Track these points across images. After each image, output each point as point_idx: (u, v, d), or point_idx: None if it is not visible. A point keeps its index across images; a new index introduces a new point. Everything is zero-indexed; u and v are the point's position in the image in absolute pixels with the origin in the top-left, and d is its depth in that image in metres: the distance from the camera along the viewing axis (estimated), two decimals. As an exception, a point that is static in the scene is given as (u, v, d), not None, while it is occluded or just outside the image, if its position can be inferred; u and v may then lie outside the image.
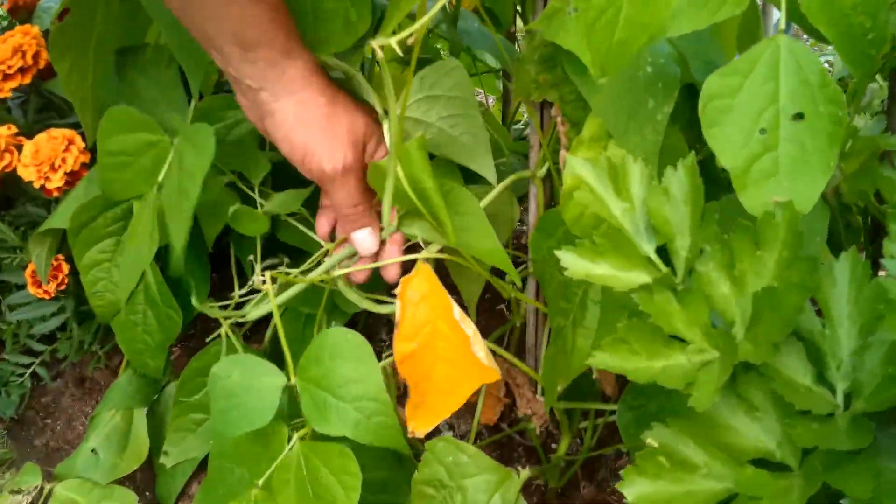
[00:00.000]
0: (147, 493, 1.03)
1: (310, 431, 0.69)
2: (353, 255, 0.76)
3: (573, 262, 0.53)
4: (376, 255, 0.76)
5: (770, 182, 0.52)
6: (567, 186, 0.62)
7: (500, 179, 0.93)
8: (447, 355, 0.69)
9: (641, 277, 0.53)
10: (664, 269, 0.53)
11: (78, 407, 1.15)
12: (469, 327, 0.66)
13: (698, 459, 0.52)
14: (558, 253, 0.53)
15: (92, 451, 0.97)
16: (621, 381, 0.87)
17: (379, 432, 0.65)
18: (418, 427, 0.67)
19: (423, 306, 0.71)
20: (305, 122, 0.68)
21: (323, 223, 0.79)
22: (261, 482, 0.67)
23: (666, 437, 0.52)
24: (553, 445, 1.00)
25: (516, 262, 1.26)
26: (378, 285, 0.78)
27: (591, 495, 0.94)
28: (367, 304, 0.76)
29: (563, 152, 0.71)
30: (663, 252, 0.54)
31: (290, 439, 0.68)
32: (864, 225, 0.79)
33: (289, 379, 0.68)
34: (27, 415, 1.15)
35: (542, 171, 0.75)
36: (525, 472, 0.70)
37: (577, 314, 0.67)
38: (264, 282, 0.72)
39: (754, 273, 0.51)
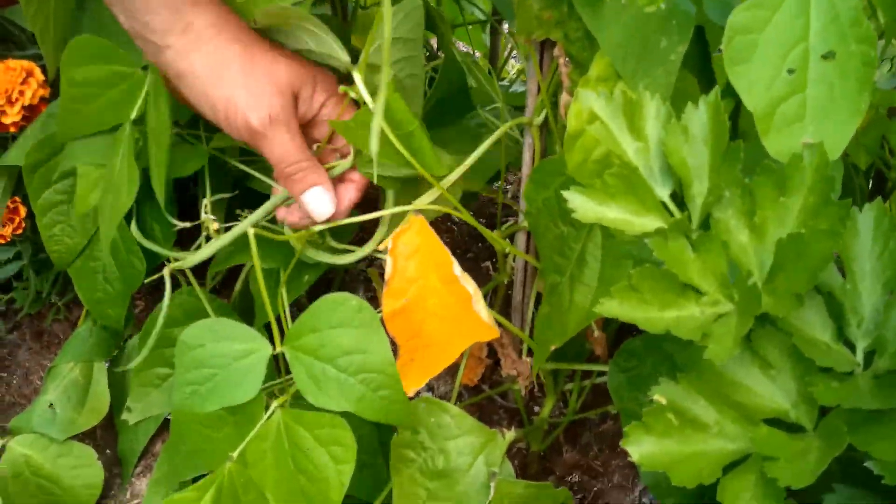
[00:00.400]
0: (108, 452, 0.98)
1: (289, 399, 0.63)
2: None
3: (582, 204, 0.49)
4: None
5: (796, 126, 0.49)
6: (572, 128, 0.57)
7: (492, 129, 0.89)
8: (438, 311, 0.64)
9: (655, 223, 0.49)
10: (679, 214, 0.49)
11: (35, 360, 1.09)
12: (470, 284, 0.62)
13: (709, 418, 0.49)
14: (566, 194, 0.49)
15: (49, 405, 0.92)
16: (612, 342, 0.84)
17: (386, 407, 0.59)
18: (409, 385, 0.62)
19: (413, 261, 0.67)
20: (220, 74, 0.60)
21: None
22: (235, 454, 0.61)
23: (675, 394, 0.49)
24: (535, 408, 0.97)
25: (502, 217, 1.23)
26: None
27: (573, 459, 0.91)
28: (324, 258, 0.71)
29: (564, 96, 0.67)
30: (677, 199, 0.51)
31: (267, 407, 0.62)
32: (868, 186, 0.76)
33: (274, 347, 0.60)
34: (-20, 368, 1.09)
35: (540, 119, 0.71)
36: (510, 434, 0.67)
37: (575, 270, 0.64)
38: (214, 220, 0.67)
39: (776, 221, 0.47)
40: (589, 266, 0.62)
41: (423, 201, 0.68)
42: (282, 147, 0.62)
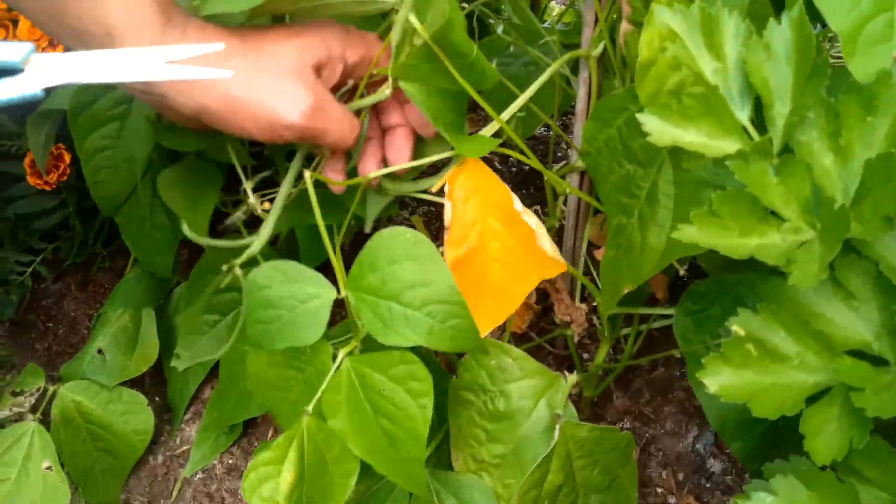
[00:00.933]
0: (157, 399, 0.99)
1: (357, 346, 0.61)
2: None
3: (658, 128, 0.47)
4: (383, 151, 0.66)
5: (882, 47, 0.46)
6: (644, 58, 0.54)
7: (543, 67, 0.86)
8: (500, 256, 0.63)
9: (734, 146, 0.47)
10: (759, 137, 0.47)
11: (81, 310, 1.09)
12: (532, 218, 0.60)
13: (789, 349, 0.47)
14: (640, 117, 0.47)
15: (98, 351, 0.92)
16: (671, 284, 0.82)
17: (456, 336, 0.57)
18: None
19: (471, 203, 0.65)
20: (238, 78, 0.54)
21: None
22: (310, 408, 0.60)
23: (754, 325, 0.47)
24: (584, 355, 0.95)
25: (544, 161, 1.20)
26: None
27: (624, 406, 0.90)
28: (407, 188, 0.68)
29: (624, 25, 0.64)
30: (755, 123, 0.48)
31: (334, 357, 0.60)
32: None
33: (338, 291, 0.59)
34: (28, 318, 1.10)
35: (598, 50, 0.68)
36: (572, 377, 0.65)
37: (645, 210, 0.61)
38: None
39: (862, 142, 0.45)
40: (661, 205, 0.59)
41: (488, 132, 0.65)
42: (338, 128, 0.59)
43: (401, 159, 0.65)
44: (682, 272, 0.77)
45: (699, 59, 0.47)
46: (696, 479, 0.87)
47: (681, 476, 0.87)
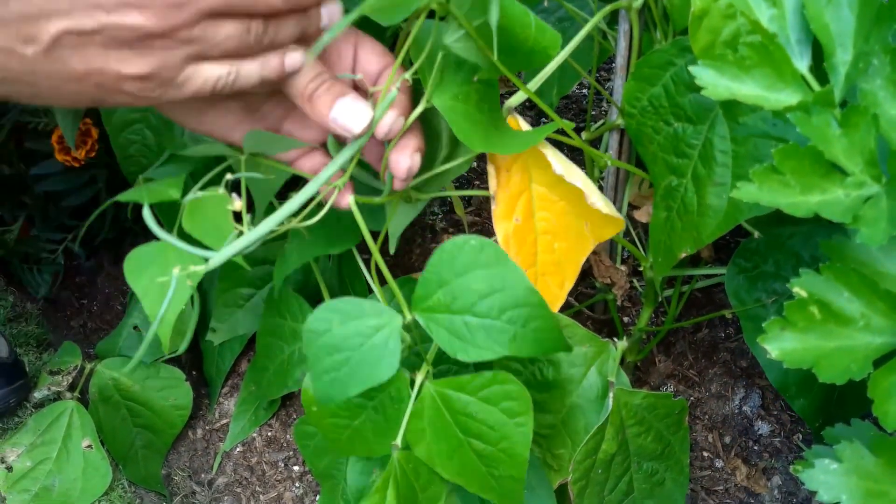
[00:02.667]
0: (194, 373, 0.98)
1: (431, 369, 0.58)
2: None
3: (713, 81, 0.44)
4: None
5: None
6: (697, 8, 0.52)
7: (577, 25, 0.83)
8: (550, 227, 0.60)
9: (793, 97, 0.44)
10: (820, 87, 0.44)
11: (114, 286, 1.09)
12: (577, 177, 0.57)
13: (854, 310, 0.44)
14: (694, 69, 0.45)
15: (134, 327, 0.92)
16: (718, 244, 0.80)
17: (540, 338, 0.53)
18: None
19: (515, 170, 0.62)
20: None
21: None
22: (398, 441, 0.57)
23: (817, 286, 0.45)
24: (624, 318, 0.94)
25: (579, 132, 1.18)
26: None
27: (668, 369, 0.88)
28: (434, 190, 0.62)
29: (665, -24, 0.61)
30: (814, 73, 0.46)
31: (412, 383, 0.57)
32: None
33: (404, 316, 0.55)
34: (62, 295, 1.10)
35: (639, 1, 0.65)
36: (622, 343, 0.63)
37: (700, 169, 0.58)
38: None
39: (932, 89, 0.42)
40: (718, 163, 0.56)
41: (514, 101, 0.63)
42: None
43: (406, 147, 0.56)
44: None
45: (755, 6, 0.45)
46: (744, 442, 0.85)
47: (727, 439, 0.85)
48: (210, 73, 0.46)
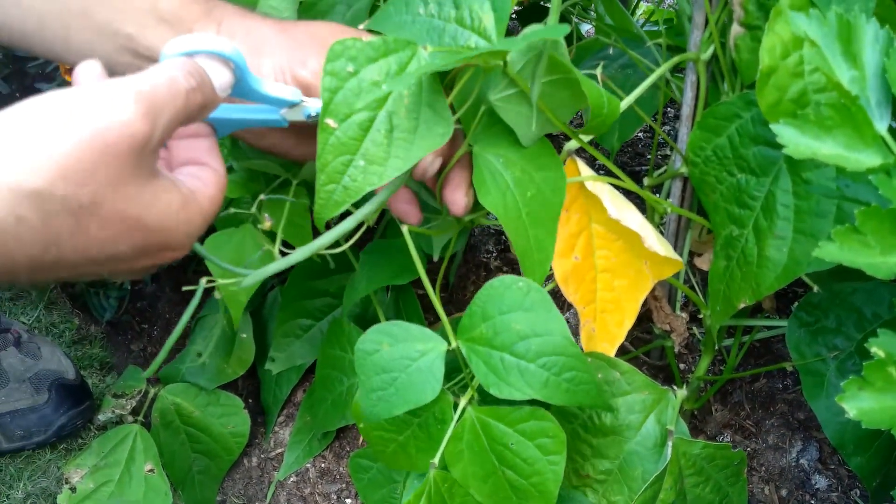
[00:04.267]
0: (250, 401, 1.00)
1: (475, 395, 0.61)
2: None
3: (794, 139, 0.45)
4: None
5: None
6: (765, 66, 0.53)
7: (640, 72, 0.84)
8: (609, 265, 0.61)
9: (873, 159, 0.44)
10: (901, 149, 0.44)
11: (176, 311, 1.12)
12: (634, 219, 0.58)
13: (933, 373, 0.44)
14: (776, 128, 0.45)
15: (197, 354, 0.94)
16: (778, 294, 0.80)
17: (573, 389, 0.55)
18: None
19: (574, 210, 0.64)
20: (259, 49, 0.54)
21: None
22: (436, 460, 0.60)
23: (895, 347, 0.45)
24: (681, 366, 0.93)
25: (636, 175, 1.18)
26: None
27: (724, 419, 0.87)
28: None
29: (735, 28, 0.62)
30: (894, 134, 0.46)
31: (455, 406, 0.60)
32: None
33: (449, 343, 0.58)
34: (123, 319, 1.13)
35: (708, 54, 0.66)
36: (682, 392, 0.64)
37: (762, 221, 0.58)
38: None
39: None
40: (780, 216, 0.57)
41: (573, 147, 0.64)
42: None
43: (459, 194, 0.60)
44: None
45: (836, 67, 0.45)
46: (801, 496, 0.84)
47: (784, 492, 0.84)
48: None
